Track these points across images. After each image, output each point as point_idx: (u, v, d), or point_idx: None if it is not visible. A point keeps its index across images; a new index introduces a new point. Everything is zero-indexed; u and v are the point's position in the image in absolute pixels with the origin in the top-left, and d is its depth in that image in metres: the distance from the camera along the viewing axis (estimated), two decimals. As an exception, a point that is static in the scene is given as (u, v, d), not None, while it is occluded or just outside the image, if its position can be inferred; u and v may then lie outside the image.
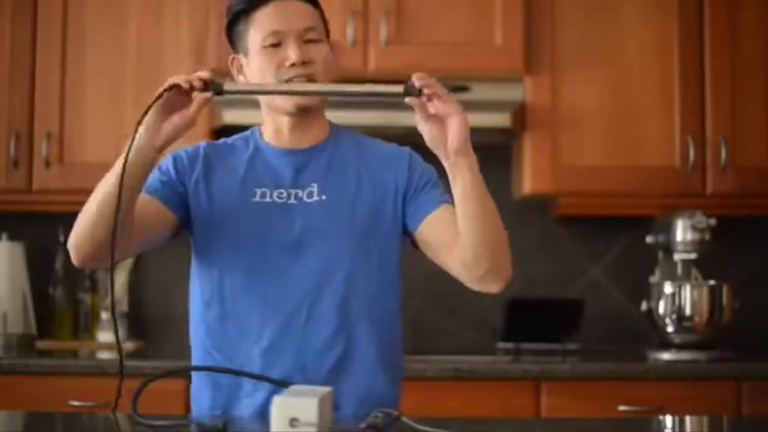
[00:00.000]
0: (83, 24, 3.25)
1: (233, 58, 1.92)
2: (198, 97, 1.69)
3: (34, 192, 3.22)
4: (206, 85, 1.69)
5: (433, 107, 1.65)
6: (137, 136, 1.70)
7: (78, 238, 1.73)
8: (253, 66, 1.86)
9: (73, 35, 3.24)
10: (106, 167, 3.15)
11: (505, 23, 3.21)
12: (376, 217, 1.86)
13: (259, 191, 1.86)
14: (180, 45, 3.23)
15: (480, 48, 3.22)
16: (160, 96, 1.68)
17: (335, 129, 1.96)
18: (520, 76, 3.24)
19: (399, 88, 1.64)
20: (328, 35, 1.92)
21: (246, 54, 1.88)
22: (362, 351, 1.84)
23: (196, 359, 1.90)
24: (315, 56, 1.84)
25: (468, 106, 3.23)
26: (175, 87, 1.68)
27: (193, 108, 1.69)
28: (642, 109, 3.26)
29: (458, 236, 1.75)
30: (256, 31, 1.85)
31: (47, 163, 3.20)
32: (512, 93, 3.23)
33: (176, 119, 1.70)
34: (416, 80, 1.64)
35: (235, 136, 1.97)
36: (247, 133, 1.97)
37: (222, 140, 1.97)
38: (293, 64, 1.82)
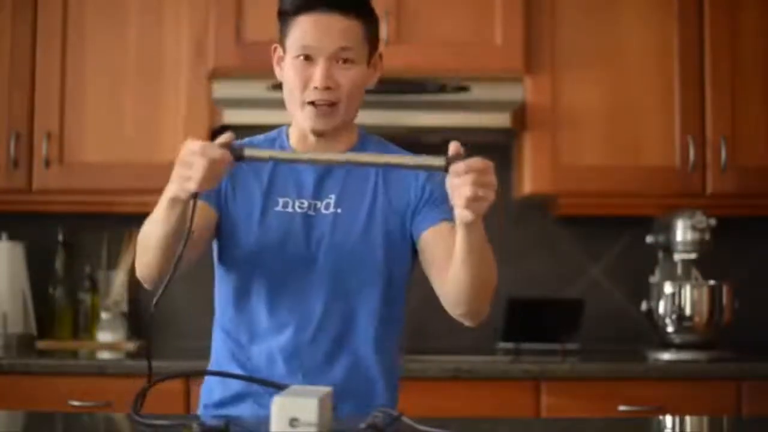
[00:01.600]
0: (83, 24, 3.25)
1: (275, 47, 1.88)
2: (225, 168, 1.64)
3: (34, 192, 3.22)
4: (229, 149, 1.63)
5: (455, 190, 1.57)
6: (168, 189, 1.68)
7: (149, 273, 1.80)
8: (286, 71, 1.83)
9: (73, 35, 3.24)
10: (106, 167, 3.21)
11: (505, 23, 3.21)
12: (388, 232, 1.84)
13: (281, 200, 1.84)
14: (180, 45, 3.23)
15: (480, 48, 3.22)
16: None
17: (363, 137, 1.92)
18: (520, 76, 3.24)
19: (441, 161, 1.57)
20: (373, 52, 1.86)
21: (285, 51, 1.84)
22: (368, 368, 1.84)
23: (213, 359, 1.92)
24: (343, 80, 1.79)
25: (468, 106, 3.27)
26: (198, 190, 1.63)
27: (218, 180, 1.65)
28: (642, 109, 3.26)
29: (447, 261, 1.74)
30: (294, 38, 1.81)
31: (47, 163, 3.20)
32: (512, 93, 3.23)
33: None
34: (453, 152, 1.56)
35: (262, 136, 1.93)
36: (274, 133, 1.93)
37: (248, 140, 1.91)
38: (316, 87, 1.78)
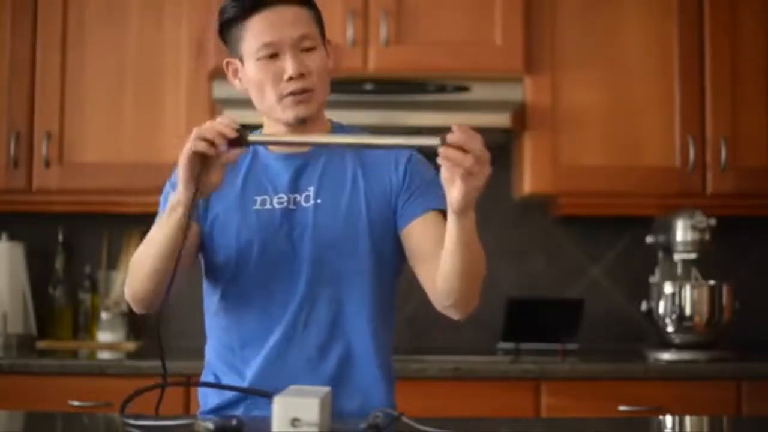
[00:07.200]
0: (83, 24, 3.25)
1: (227, 62, 1.88)
2: (225, 156, 1.67)
3: (34, 192, 3.22)
4: (231, 139, 1.66)
5: (447, 166, 1.57)
6: (172, 197, 1.71)
7: (142, 294, 1.82)
8: (250, 75, 1.83)
9: (73, 35, 3.24)
10: (106, 167, 3.20)
11: (505, 23, 3.21)
12: (371, 218, 1.84)
13: (259, 199, 1.84)
14: (180, 45, 3.23)
15: (480, 48, 3.22)
16: (191, 161, 1.67)
17: (337, 128, 1.93)
18: (520, 76, 3.24)
19: (436, 140, 1.57)
20: (324, 35, 1.88)
21: (242, 60, 1.84)
22: (361, 357, 1.83)
23: (207, 365, 1.92)
24: (312, 66, 1.81)
25: (468, 106, 3.27)
26: (199, 153, 1.65)
27: (220, 171, 1.69)
28: (642, 109, 3.26)
29: (434, 252, 1.75)
30: (251, 41, 1.80)
31: (47, 163, 3.20)
32: (512, 93, 3.23)
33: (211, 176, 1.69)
34: (456, 134, 1.56)
35: None
36: None
37: None
38: (291, 78, 1.79)
